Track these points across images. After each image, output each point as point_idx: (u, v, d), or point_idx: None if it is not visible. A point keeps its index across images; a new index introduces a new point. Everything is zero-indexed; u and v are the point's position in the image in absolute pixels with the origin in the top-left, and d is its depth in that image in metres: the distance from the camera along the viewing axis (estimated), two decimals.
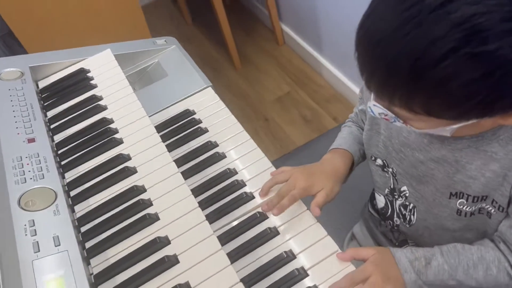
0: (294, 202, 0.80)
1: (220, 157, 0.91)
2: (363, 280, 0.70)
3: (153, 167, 0.84)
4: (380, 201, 0.91)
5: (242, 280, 0.69)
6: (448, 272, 0.72)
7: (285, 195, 0.80)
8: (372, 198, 1.01)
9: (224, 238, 0.77)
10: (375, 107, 0.64)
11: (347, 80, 2.07)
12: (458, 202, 0.74)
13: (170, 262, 0.70)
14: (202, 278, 0.69)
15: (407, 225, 0.87)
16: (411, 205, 0.83)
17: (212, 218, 0.80)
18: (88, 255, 0.73)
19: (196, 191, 0.84)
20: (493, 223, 0.74)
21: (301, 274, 0.72)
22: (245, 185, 0.86)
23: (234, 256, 0.75)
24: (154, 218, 0.76)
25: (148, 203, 0.78)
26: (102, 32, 1.62)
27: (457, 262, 0.72)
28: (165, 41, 1.18)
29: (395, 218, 0.89)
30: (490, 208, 0.72)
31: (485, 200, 0.72)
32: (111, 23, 1.63)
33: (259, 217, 0.80)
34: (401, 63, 0.52)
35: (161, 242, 0.73)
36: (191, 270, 0.70)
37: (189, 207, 0.77)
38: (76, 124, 0.94)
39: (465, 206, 0.74)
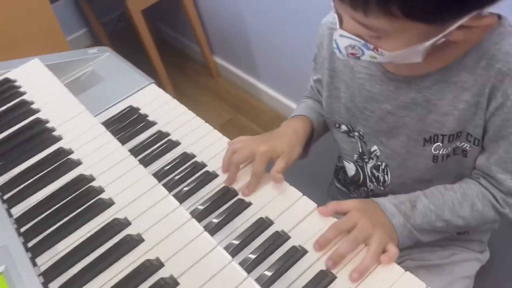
0: (262, 174, 0.73)
1: (175, 144, 0.83)
2: (351, 228, 0.63)
3: (101, 155, 0.75)
4: (350, 168, 0.86)
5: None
6: (435, 212, 0.67)
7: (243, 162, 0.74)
8: (337, 173, 0.96)
9: (195, 216, 0.69)
10: (342, 39, 0.61)
11: (287, 100, 2.07)
12: (433, 147, 0.71)
13: (134, 241, 0.61)
14: (174, 251, 0.59)
15: (382, 188, 0.82)
16: (383, 164, 0.79)
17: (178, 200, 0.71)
18: (34, 251, 0.62)
19: (155, 177, 0.75)
20: (469, 162, 0.71)
21: (282, 236, 0.65)
22: (206, 165, 0.79)
23: (210, 230, 0.66)
24: (108, 203, 0.67)
25: (99, 190, 0.69)
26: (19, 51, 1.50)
27: (442, 202, 0.68)
28: (97, 50, 1.11)
29: (368, 183, 0.84)
30: (465, 145, 0.70)
31: (459, 137, 0.69)
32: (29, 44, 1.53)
33: (226, 193, 0.73)
34: None
35: (120, 223, 0.63)
36: (160, 245, 0.60)
37: (148, 185, 0.69)
38: (7, 129, 0.83)
39: (441, 150, 0.71)
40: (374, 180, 0.82)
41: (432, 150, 0.71)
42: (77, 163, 0.74)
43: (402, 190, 0.79)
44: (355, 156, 0.84)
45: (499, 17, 0.65)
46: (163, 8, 2.52)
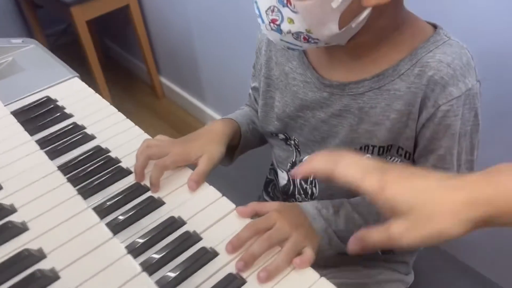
0: (166, 170, 0.67)
1: (89, 137, 0.76)
2: (267, 229, 0.58)
3: (7, 147, 0.66)
4: (283, 178, 0.81)
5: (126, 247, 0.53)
6: (358, 221, 0.63)
7: (154, 158, 0.67)
8: (267, 186, 0.91)
9: (100, 212, 0.61)
10: (261, 1, 0.58)
11: None
12: None
13: (17, 229, 0.52)
14: (61, 242, 0.51)
15: (309, 200, 0.78)
16: (312, 175, 0.75)
17: (84, 194, 0.64)
18: None
19: (63, 171, 0.67)
20: None
21: (193, 237, 0.58)
22: (120, 161, 0.71)
23: (114, 226, 0.58)
24: None
25: None
26: None
27: (367, 212, 0.64)
28: (22, 41, 1.03)
29: (297, 195, 0.79)
30: (396, 159, 0.67)
31: (390, 151, 0.66)
32: None
33: (137, 189, 0.66)
34: None
35: (3, 209, 0.54)
36: (45, 235, 0.52)
37: (46, 172, 0.61)
38: None
39: None
40: (302, 192, 0.78)
41: None
42: None
43: None
44: (288, 165, 0.79)
45: (435, 26, 0.64)
46: (111, 23, 2.46)
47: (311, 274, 0.54)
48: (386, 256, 0.78)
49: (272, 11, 0.57)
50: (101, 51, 2.65)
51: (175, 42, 2.08)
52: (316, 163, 0.51)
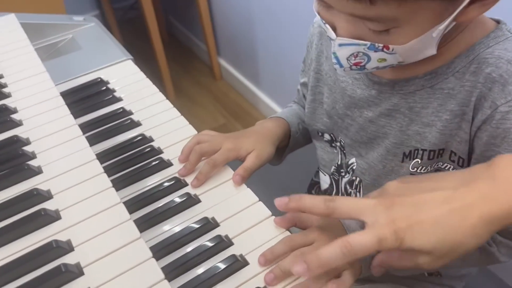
0: (216, 169, 0.66)
1: (135, 124, 0.76)
2: (305, 245, 0.55)
3: (51, 130, 0.66)
4: (325, 181, 0.78)
5: (151, 248, 0.52)
6: None
7: (206, 155, 0.66)
8: (311, 188, 0.87)
9: (134, 203, 0.60)
10: (342, 49, 0.53)
11: None
12: (411, 164, 0.63)
13: (49, 217, 0.52)
14: (92, 234, 0.51)
15: None
16: (358, 179, 0.71)
17: (119, 185, 0.63)
18: None
19: (102, 157, 0.67)
20: None
21: (224, 242, 0.56)
22: (162, 152, 0.71)
23: (145, 222, 0.58)
24: (35, 170, 0.58)
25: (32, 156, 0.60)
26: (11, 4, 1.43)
27: None
28: (83, 19, 1.04)
29: None
30: (448, 166, 0.61)
31: (442, 156, 0.61)
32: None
33: (174, 183, 0.64)
34: None
35: (39, 195, 0.54)
36: (77, 226, 0.52)
37: (85, 160, 0.60)
38: None
39: (420, 168, 0.63)
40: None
41: (410, 167, 0.63)
42: (18, 124, 0.66)
43: None
44: (333, 169, 0.75)
45: (498, 21, 0.57)
46: (177, 2, 2.47)
47: None
48: (432, 278, 0.73)
49: (356, 56, 0.53)
50: (165, 28, 2.69)
51: (236, 26, 2.06)
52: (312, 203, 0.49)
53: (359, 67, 0.55)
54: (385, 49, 0.51)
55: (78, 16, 1.05)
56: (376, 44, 0.51)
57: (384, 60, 0.53)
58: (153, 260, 0.48)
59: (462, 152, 0.59)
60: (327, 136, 0.75)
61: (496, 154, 0.55)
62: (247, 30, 1.97)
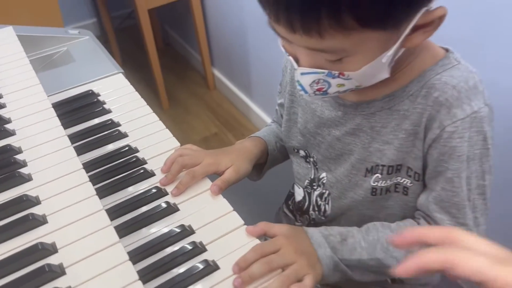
0: (195, 181, 0.71)
1: (122, 135, 0.80)
2: (273, 253, 0.60)
3: (42, 140, 0.71)
4: (299, 194, 0.83)
5: (131, 252, 0.57)
6: (366, 249, 0.64)
7: (187, 167, 0.71)
8: (288, 199, 0.92)
9: (113, 214, 0.65)
10: (304, 77, 0.58)
11: None
12: (373, 178, 0.68)
13: (36, 221, 0.57)
14: (73, 239, 0.55)
15: (322, 217, 0.79)
16: (327, 192, 0.76)
17: (103, 193, 0.68)
18: None
19: (89, 166, 0.72)
20: (412, 202, 0.69)
21: (197, 247, 0.61)
22: (146, 162, 0.75)
23: (125, 228, 0.63)
24: (26, 178, 0.63)
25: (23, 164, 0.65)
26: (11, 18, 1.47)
27: (375, 239, 0.64)
28: (78, 32, 1.09)
29: (311, 212, 0.81)
30: (406, 181, 0.67)
31: (399, 171, 0.66)
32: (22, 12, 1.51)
33: (156, 193, 0.69)
34: None
35: (28, 200, 0.59)
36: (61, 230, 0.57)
37: (72, 169, 0.65)
38: None
39: (380, 182, 0.68)
40: (316, 208, 0.79)
41: (372, 182, 0.68)
42: (11, 133, 0.71)
43: (344, 222, 0.76)
44: (306, 182, 0.81)
45: (447, 50, 0.63)
46: (174, 12, 2.53)
47: None
48: (395, 285, 0.78)
49: (317, 82, 0.58)
50: (161, 37, 2.75)
51: (230, 37, 2.11)
52: (429, 257, 0.39)
53: (321, 92, 0.60)
54: (341, 76, 0.56)
55: (74, 29, 1.09)
56: (333, 71, 0.56)
57: (343, 85, 0.58)
58: (129, 262, 0.53)
59: (417, 168, 0.64)
60: (302, 152, 0.80)
61: (445, 169, 0.61)
62: (241, 42, 2.03)
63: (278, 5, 0.52)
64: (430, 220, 0.65)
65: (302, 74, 0.58)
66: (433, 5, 0.54)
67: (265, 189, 1.07)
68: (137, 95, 0.91)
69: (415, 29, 0.54)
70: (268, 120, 2.07)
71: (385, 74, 0.58)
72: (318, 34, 0.51)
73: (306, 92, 0.61)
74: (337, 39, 0.52)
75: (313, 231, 0.64)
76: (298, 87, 0.61)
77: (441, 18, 0.54)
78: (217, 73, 2.39)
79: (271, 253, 0.60)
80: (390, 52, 0.54)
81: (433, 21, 0.54)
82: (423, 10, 0.52)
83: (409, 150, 0.64)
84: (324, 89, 0.59)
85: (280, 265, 0.58)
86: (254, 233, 0.63)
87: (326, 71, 0.56)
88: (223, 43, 2.22)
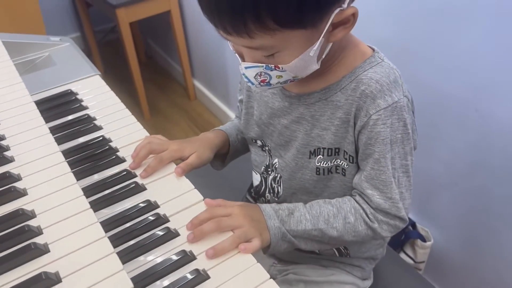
0: (162, 165, 0.79)
1: (97, 128, 0.89)
2: (224, 216, 0.68)
3: (22, 128, 0.79)
4: (256, 179, 0.92)
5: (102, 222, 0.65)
6: (310, 221, 0.72)
7: (154, 153, 0.80)
8: (250, 187, 1.01)
9: (88, 191, 0.73)
10: (248, 70, 0.68)
11: None
12: (316, 159, 0.77)
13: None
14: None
15: (276, 198, 0.87)
16: (279, 175, 0.85)
17: (79, 176, 0.76)
18: None
19: (66, 154, 0.80)
20: (349, 181, 0.77)
21: (162, 219, 0.69)
22: (118, 150, 0.84)
23: (97, 204, 0.71)
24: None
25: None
26: None
27: (318, 213, 0.73)
28: (60, 39, 1.18)
29: (267, 194, 0.89)
30: (343, 163, 0.76)
31: (338, 154, 0.75)
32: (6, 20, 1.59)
33: (125, 175, 0.78)
34: None
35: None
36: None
37: (55, 161, 0.73)
38: None
39: (322, 162, 0.77)
40: (271, 191, 0.88)
41: (316, 162, 0.77)
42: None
43: (293, 201, 0.85)
44: (262, 168, 0.89)
45: (373, 49, 0.73)
46: (155, 25, 2.63)
47: (250, 260, 0.63)
48: (342, 258, 0.87)
49: (260, 75, 0.67)
50: (144, 50, 2.84)
51: (209, 49, 2.21)
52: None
53: (265, 83, 0.69)
54: (276, 68, 0.66)
55: (55, 37, 1.18)
56: (269, 65, 0.66)
57: (281, 76, 0.67)
58: (99, 226, 0.61)
59: (351, 152, 0.74)
60: (259, 142, 0.89)
61: (372, 151, 0.70)
62: (219, 54, 2.13)
63: (212, 14, 0.62)
64: (364, 196, 0.74)
65: (246, 68, 0.68)
66: (346, 5, 0.63)
67: (230, 179, 1.16)
68: (112, 93, 0.99)
69: (335, 26, 0.64)
70: None
71: (315, 66, 0.67)
72: (247, 35, 0.61)
73: (252, 83, 0.70)
74: (264, 39, 0.62)
75: (265, 206, 0.73)
76: (245, 80, 0.70)
77: (354, 16, 0.64)
78: (197, 83, 2.48)
79: (221, 216, 0.69)
80: (316, 46, 0.64)
81: (349, 19, 0.64)
82: (337, 10, 0.62)
83: (343, 135, 0.73)
84: (267, 81, 0.68)
85: (229, 226, 0.67)
86: (211, 204, 0.72)
87: (264, 65, 0.66)
88: (203, 55, 2.32)
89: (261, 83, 0.69)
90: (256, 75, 0.68)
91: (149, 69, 2.72)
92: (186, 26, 2.32)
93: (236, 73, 2.19)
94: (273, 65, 0.66)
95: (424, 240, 1.36)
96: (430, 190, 1.30)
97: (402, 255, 1.39)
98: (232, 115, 2.24)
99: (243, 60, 0.68)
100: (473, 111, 1.06)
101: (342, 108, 0.72)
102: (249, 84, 0.71)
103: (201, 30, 2.21)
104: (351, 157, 0.74)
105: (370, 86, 0.69)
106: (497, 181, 1.08)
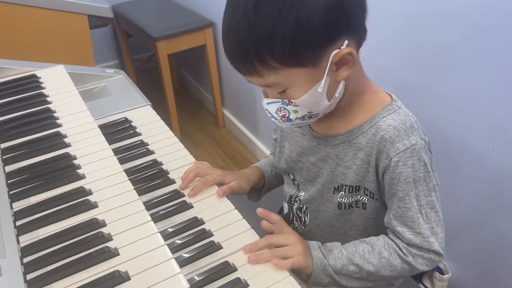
0: (206, 186, 0.91)
1: (150, 152, 1.02)
2: (281, 245, 0.79)
3: (91, 150, 0.93)
4: (285, 207, 1.03)
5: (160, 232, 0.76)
6: (346, 257, 0.80)
7: (200, 176, 0.92)
8: (280, 212, 1.12)
9: (148, 206, 0.84)
10: (270, 106, 0.78)
11: None
12: (339, 195, 0.87)
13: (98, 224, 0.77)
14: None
15: (303, 226, 0.97)
16: (304, 206, 0.95)
17: (139, 192, 0.88)
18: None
19: (127, 173, 0.93)
20: (369, 214, 0.86)
21: (206, 233, 0.81)
22: (169, 173, 0.96)
23: (155, 218, 0.82)
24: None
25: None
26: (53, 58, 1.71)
27: (353, 250, 0.81)
28: (114, 71, 1.33)
29: (295, 222, 1.00)
30: (364, 198, 0.85)
31: (358, 191, 0.84)
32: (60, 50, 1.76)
33: (175, 194, 0.90)
34: (239, 31, 0.68)
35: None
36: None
37: (120, 179, 0.86)
38: (18, 111, 1.03)
39: (344, 198, 0.86)
40: (298, 219, 0.98)
41: (338, 198, 0.86)
42: (66, 144, 0.92)
43: (317, 231, 0.95)
44: (287, 198, 1.01)
45: (391, 96, 0.83)
46: (190, 57, 2.80)
47: (283, 274, 0.74)
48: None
49: (280, 110, 0.78)
50: (177, 79, 3.01)
51: (240, 82, 2.34)
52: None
53: (286, 118, 0.79)
54: (290, 103, 0.76)
55: (110, 69, 1.33)
56: (284, 100, 0.76)
57: (297, 111, 0.77)
58: (158, 235, 0.73)
59: (372, 188, 0.83)
60: (290, 176, 0.99)
61: (396, 190, 0.79)
62: (249, 87, 2.25)
63: (230, 58, 0.74)
64: (396, 233, 0.80)
65: (268, 103, 0.78)
66: (344, 46, 0.70)
67: (259, 204, 1.27)
68: (161, 122, 1.13)
69: (339, 66, 0.72)
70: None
71: (326, 102, 0.75)
72: (258, 74, 0.72)
73: (275, 118, 0.80)
74: (272, 77, 0.72)
75: (310, 241, 0.83)
76: (269, 115, 0.80)
77: (352, 55, 0.72)
78: (227, 113, 2.62)
79: (279, 245, 0.79)
80: (322, 83, 0.72)
81: (348, 59, 0.72)
82: (335, 51, 0.70)
83: (364, 174, 0.82)
84: (286, 116, 0.78)
85: (284, 256, 0.77)
86: (269, 229, 0.84)
87: (280, 100, 0.76)
88: (234, 87, 2.46)
89: (282, 118, 0.79)
90: (277, 110, 0.78)
91: (181, 97, 2.87)
92: (219, 59, 2.47)
93: None
94: (287, 100, 0.75)
95: (442, 273, 1.41)
96: (449, 226, 1.37)
97: (421, 287, 1.44)
98: (259, 143, 2.36)
99: (266, 96, 0.79)
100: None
101: (363, 150, 0.81)
102: (273, 119, 0.81)
103: None
104: (371, 193, 0.83)
105: (389, 131, 0.77)
106: None
